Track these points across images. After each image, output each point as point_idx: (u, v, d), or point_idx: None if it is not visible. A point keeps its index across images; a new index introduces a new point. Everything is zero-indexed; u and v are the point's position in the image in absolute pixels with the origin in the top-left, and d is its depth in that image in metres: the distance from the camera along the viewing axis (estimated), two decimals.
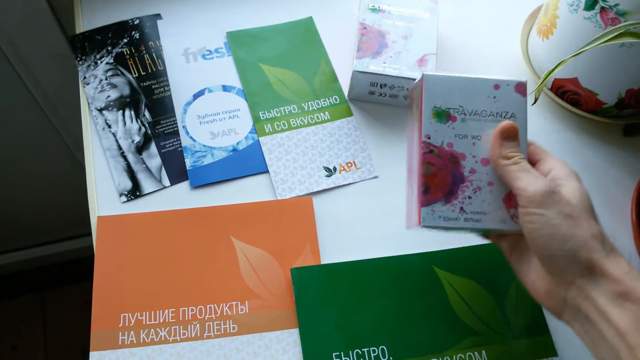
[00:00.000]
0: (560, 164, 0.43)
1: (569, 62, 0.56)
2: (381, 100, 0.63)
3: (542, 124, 0.64)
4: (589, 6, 0.55)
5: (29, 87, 0.80)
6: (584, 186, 0.41)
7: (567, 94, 0.63)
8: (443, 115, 0.45)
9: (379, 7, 0.64)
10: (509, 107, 0.45)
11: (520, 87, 0.45)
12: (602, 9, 0.54)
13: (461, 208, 0.44)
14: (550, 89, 0.65)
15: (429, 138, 0.44)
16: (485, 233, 0.46)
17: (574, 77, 0.61)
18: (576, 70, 0.61)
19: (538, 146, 0.45)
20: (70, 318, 1.25)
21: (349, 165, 0.59)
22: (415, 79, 0.59)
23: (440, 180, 0.44)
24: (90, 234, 1.24)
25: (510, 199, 0.44)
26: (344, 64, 0.65)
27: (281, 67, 0.64)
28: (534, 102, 0.63)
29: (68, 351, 1.21)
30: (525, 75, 0.65)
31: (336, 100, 0.63)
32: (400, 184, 0.58)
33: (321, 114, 0.62)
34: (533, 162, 0.44)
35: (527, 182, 0.40)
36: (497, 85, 0.45)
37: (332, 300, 0.51)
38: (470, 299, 0.52)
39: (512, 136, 0.43)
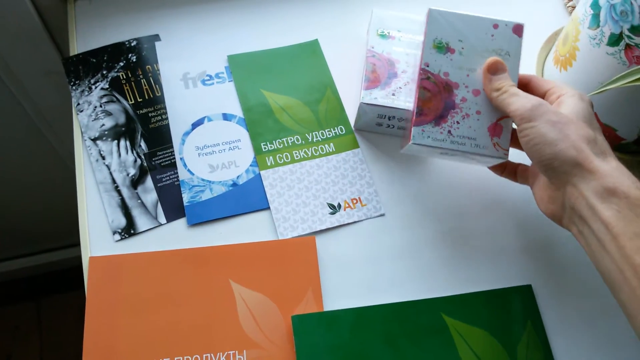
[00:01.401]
0: (568, 87, 0.47)
1: None
2: (389, 131, 0.60)
3: None
4: (613, 42, 0.52)
5: (22, 103, 0.77)
6: (586, 103, 0.45)
7: None
8: (442, 47, 0.50)
9: (388, 32, 0.61)
10: (505, 45, 0.50)
11: (518, 29, 0.50)
12: (628, 46, 0.51)
13: (449, 131, 0.50)
14: None
15: (428, 66, 0.50)
16: (472, 158, 0.51)
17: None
18: (595, 106, 0.57)
19: (556, 85, 0.48)
20: (66, 325, 1.23)
21: (354, 201, 0.56)
22: None
23: (433, 104, 0.50)
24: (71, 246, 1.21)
25: (495, 128, 0.50)
26: (351, 90, 0.62)
27: (284, 93, 0.61)
28: None
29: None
30: None
31: (342, 131, 0.60)
32: (409, 223, 0.56)
33: (326, 145, 0.59)
34: (552, 99, 0.47)
35: (517, 104, 0.45)
36: (496, 25, 0.50)
37: (335, 350, 0.49)
38: (480, 350, 0.50)
39: (498, 70, 0.48)
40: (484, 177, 0.58)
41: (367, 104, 0.56)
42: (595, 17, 0.53)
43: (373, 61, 0.58)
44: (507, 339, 0.51)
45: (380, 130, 0.60)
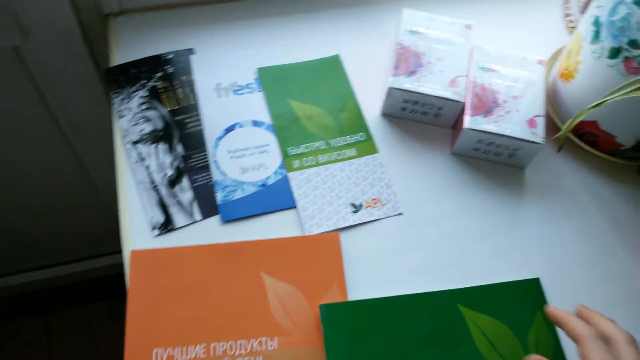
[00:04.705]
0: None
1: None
2: (412, 116, 0.66)
3: (560, 164, 0.66)
4: (613, 55, 0.57)
5: (54, 112, 0.81)
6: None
7: (586, 135, 0.65)
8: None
9: (416, 30, 0.67)
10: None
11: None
12: (626, 58, 0.56)
13: (495, 121, 0.61)
14: (570, 131, 0.66)
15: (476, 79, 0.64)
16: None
17: (593, 120, 0.63)
18: (596, 114, 0.62)
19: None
20: (75, 341, 1.25)
21: (375, 201, 0.61)
22: (445, 98, 0.62)
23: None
24: (97, 256, 1.26)
25: (532, 121, 0.61)
26: (370, 100, 0.67)
27: (309, 103, 0.66)
28: (558, 151, 0.65)
29: None
30: (546, 113, 0.66)
31: (362, 137, 0.65)
32: (425, 220, 0.60)
33: (348, 150, 0.64)
34: None
35: None
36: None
37: (360, 337, 0.52)
38: (494, 337, 0.54)
39: None
40: (494, 177, 0.63)
41: (395, 88, 0.62)
42: (597, 33, 0.58)
43: (402, 52, 0.65)
44: (519, 329, 0.54)
45: (404, 114, 0.66)
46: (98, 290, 1.29)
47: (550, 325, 0.55)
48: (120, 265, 0.56)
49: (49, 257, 1.24)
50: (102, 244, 1.22)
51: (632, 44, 0.55)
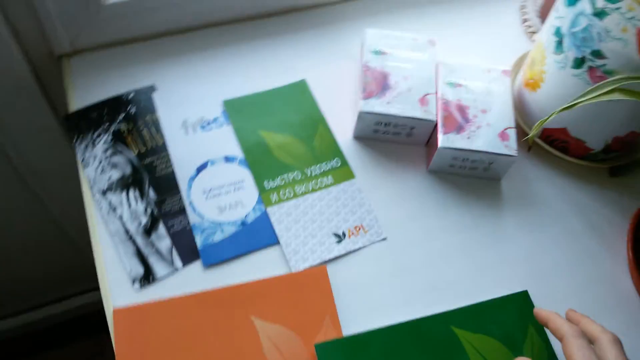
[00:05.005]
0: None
1: (558, 113, 0.59)
2: (384, 137, 0.66)
3: (535, 173, 0.67)
4: (577, 65, 0.58)
5: (13, 159, 0.77)
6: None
7: (556, 142, 0.66)
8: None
9: (380, 49, 0.66)
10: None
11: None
12: (590, 67, 0.57)
13: (468, 137, 0.61)
14: (540, 138, 0.67)
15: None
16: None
17: (562, 127, 0.64)
18: (565, 121, 0.63)
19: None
20: None
21: (358, 229, 0.60)
22: (417, 118, 0.62)
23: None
24: (68, 297, 1.21)
25: (503, 134, 0.61)
26: (341, 123, 0.66)
27: (280, 132, 0.65)
28: (529, 150, 0.66)
29: None
30: (515, 123, 0.67)
31: (337, 163, 0.64)
32: (409, 243, 0.60)
33: (324, 178, 0.62)
34: None
35: None
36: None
37: None
38: (490, 355, 0.54)
39: None
40: (472, 191, 0.63)
41: (366, 112, 0.62)
42: (559, 43, 0.59)
43: (368, 74, 0.64)
44: (513, 344, 0.55)
45: (377, 136, 0.65)
46: (78, 330, 1.24)
47: (544, 337, 0.55)
48: (97, 303, 0.53)
49: (24, 302, 1.19)
50: (77, 284, 1.18)
51: (595, 54, 0.56)
